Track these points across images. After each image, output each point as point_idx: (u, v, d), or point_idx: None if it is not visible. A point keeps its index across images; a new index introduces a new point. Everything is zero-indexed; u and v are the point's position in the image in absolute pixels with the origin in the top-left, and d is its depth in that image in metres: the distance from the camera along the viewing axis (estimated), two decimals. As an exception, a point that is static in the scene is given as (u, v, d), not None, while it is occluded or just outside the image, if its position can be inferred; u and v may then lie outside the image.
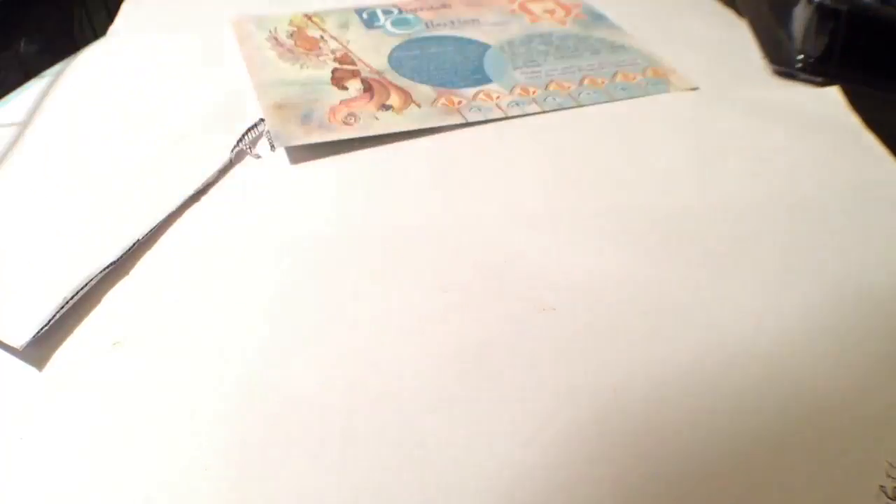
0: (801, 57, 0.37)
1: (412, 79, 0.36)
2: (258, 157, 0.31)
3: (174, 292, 0.26)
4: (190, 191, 0.29)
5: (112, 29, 0.43)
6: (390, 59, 0.38)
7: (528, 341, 0.24)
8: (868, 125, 0.34)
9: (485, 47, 0.39)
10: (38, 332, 0.24)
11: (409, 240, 0.28)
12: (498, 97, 0.35)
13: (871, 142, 0.33)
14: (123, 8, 0.44)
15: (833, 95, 0.36)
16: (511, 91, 0.35)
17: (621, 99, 0.36)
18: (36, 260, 0.27)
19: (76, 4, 0.45)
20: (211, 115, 0.34)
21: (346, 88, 0.35)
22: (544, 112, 0.34)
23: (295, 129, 0.32)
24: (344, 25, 0.41)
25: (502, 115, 0.34)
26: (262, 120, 0.33)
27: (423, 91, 0.35)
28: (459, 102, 0.34)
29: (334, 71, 0.37)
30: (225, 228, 0.28)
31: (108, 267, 0.26)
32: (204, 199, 0.29)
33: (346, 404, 0.23)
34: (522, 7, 0.44)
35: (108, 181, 0.30)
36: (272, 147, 0.32)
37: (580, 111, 0.35)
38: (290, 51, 0.38)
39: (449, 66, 0.37)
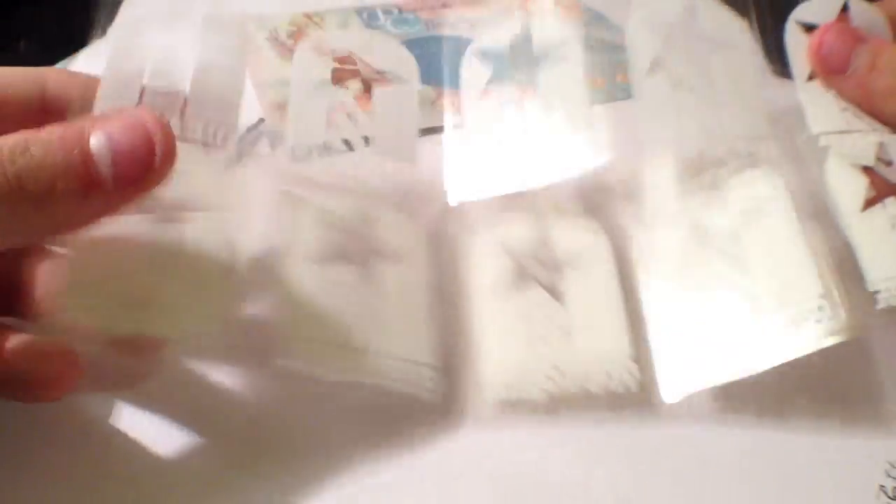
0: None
1: (412, 79, 0.36)
2: (258, 157, 0.31)
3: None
4: (190, 190, 0.29)
5: (111, 29, 0.43)
6: (390, 58, 0.38)
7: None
8: (868, 125, 0.34)
9: (485, 47, 0.39)
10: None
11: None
12: (498, 97, 0.35)
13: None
14: (123, 9, 0.44)
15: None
16: (511, 91, 0.35)
17: (621, 99, 0.36)
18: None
19: (76, 4, 0.45)
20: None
21: (346, 88, 0.35)
22: (544, 112, 0.34)
23: (295, 129, 0.32)
24: (344, 25, 0.41)
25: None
26: (262, 120, 0.33)
27: (422, 91, 0.35)
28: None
29: (334, 71, 0.37)
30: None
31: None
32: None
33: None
34: (522, 7, 0.44)
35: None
36: (272, 147, 0.32)
37: (580, 111, 0.35)
38: (290, 50, 0.38)
39: (449, 66, 0.37)
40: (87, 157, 0.19)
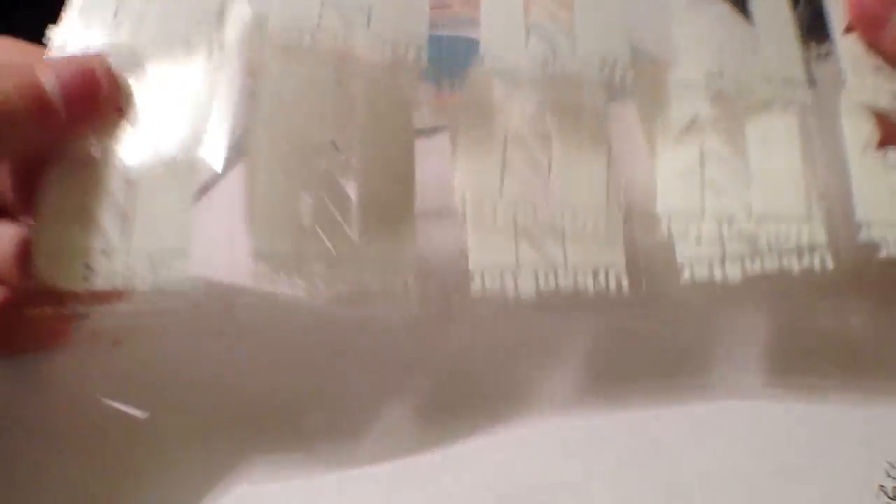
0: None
1: (412, 78, 0.36)
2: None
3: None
4: (190, 190, 0.29)
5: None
6: (390, 58, 0.38)
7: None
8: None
9: (485, 47, 0.39)
10: (38, 332, 0.24)
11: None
12: (498, 97, 0.35)
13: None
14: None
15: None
16: (511, 91, 0.35)
17: (622, 99, 0.36)
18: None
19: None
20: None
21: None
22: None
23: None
24: (344, 25, 0.41)
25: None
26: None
27: (422, 90, 0.35)
28: (459, 102, 0.34)
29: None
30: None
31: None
32: (204, 198, 0.29)
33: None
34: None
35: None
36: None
37: (580, 111, 0.35)
38: (290, 51, 0.38)
39: (449, 66, 0.37)
40: (41, 91, 0.21)
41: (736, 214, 0.23)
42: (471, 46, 0.40)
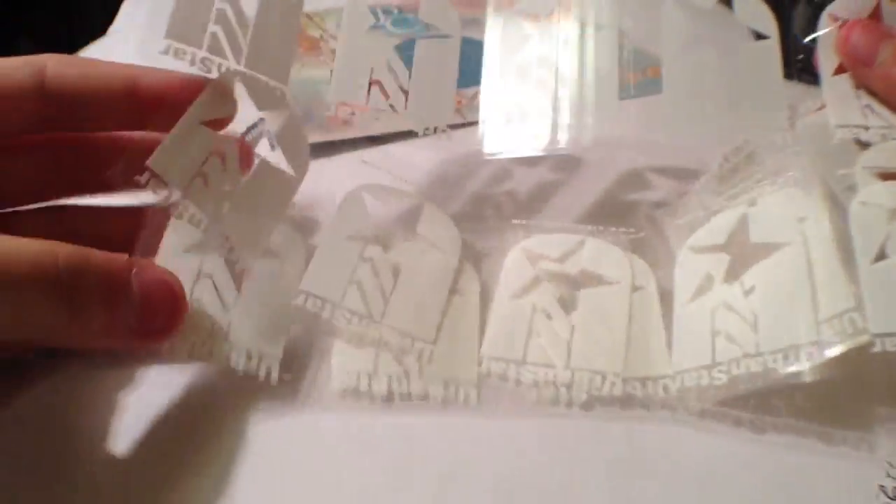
0: (800, 57, 0.37)
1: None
2: (258, 156, 0.31)
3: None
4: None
5: (112, 28, 0.43)
6: (390, 58, 0.38)
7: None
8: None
9: (485, 47, 0.39)
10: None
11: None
12: (498, 97, 0.35)
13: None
14: (123, 8, 0.44)
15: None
16: (511, 91, 0.35)
17: (621, 99, 0.36)
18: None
19: (76, 4, 0.45)
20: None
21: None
22: (544, 112, 0.34)
23: (295, 129, 0.32)
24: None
25: (502, 115, 0.34)
26: (262, 119, 0.33)
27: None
28: (459, 102, 0.34)
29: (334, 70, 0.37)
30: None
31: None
32: None
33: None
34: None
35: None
36: (272, 147, 0.32)
37: (580, 111, 0.35)
38: (290, 50, 0.38)
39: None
40: (119, 307, 0.21)
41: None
42: (471, 47, 0.40)
